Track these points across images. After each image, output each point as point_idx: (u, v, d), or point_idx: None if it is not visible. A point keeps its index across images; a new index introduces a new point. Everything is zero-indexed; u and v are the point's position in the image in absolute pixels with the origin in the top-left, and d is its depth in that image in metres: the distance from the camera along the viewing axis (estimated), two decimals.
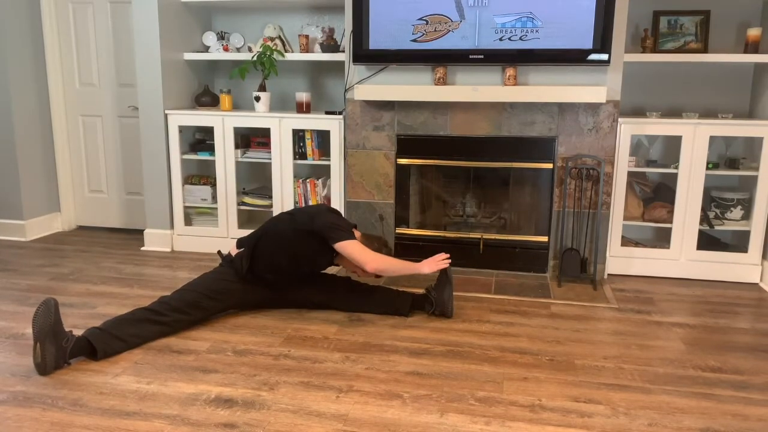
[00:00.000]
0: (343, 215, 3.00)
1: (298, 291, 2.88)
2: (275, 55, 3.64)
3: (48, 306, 2.18)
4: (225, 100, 3.82)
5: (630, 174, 3.46)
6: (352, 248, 2.67)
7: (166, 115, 3.78)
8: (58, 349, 2.23)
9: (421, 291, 2.92)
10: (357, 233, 2.82)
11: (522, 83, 3.28)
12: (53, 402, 2.05)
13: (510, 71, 3.21)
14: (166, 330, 2.55)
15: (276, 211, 3.75)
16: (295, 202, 3.74)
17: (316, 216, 2.75)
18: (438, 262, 2.73)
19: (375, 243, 2.86)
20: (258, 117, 3.69)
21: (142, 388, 2.14)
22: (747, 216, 3.42)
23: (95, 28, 4.15)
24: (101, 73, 4.21)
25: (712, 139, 3.35)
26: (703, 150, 3.29)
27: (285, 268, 2.78)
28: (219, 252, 2.91)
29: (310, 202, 3.75)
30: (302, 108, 3.70)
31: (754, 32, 3.28)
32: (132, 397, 2.09)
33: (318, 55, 3.72)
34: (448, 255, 2.78)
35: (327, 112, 3.65)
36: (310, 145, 3.70)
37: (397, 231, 3.63)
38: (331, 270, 3.48)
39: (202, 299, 2.66)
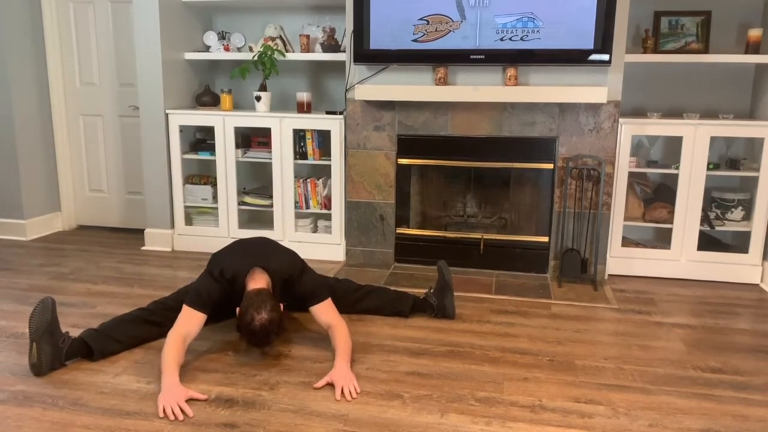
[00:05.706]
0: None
1: None
2: (276, 55, 3.63)
3: (45, 305, 2.17)
4: (226, 99, 3.82)
5: (631, 174, 3.45)
6: None
7: (166, 115, 3.78)
8: (54, 349, 2.21)
9: (422, 291, 2.92)
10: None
11: (523, 83, 3.28)
12: (54, 401, 2.05)
13: (511, 71, 3.21)
14: (165, 330, 2.52)
15: (276, 210, 3.75)
16: (296, 202, 3.74)
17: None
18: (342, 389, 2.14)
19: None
20: (259, 117, 3.69)
21: (142, 388, 2.14)
22: (748, 217, 3.42)
23: (96, 27, 4.15)
24: (102, 73, 4.21)
25: (713, 139, 3.35)
26: (704, 150, 3.29)
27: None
28: None
29: (311, 202, 3.74)
30: (303, 108, 3.70)
31: (754, 33, 3.27)
32: (132, 396, 2.09)
33: (319, 55, 3.72)
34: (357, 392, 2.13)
35: (327, 112, 3.65)
36: (310, 145, 3.70)
37: (397, 231, 3.63)
38: (331, 271, 3.48)
39: None
